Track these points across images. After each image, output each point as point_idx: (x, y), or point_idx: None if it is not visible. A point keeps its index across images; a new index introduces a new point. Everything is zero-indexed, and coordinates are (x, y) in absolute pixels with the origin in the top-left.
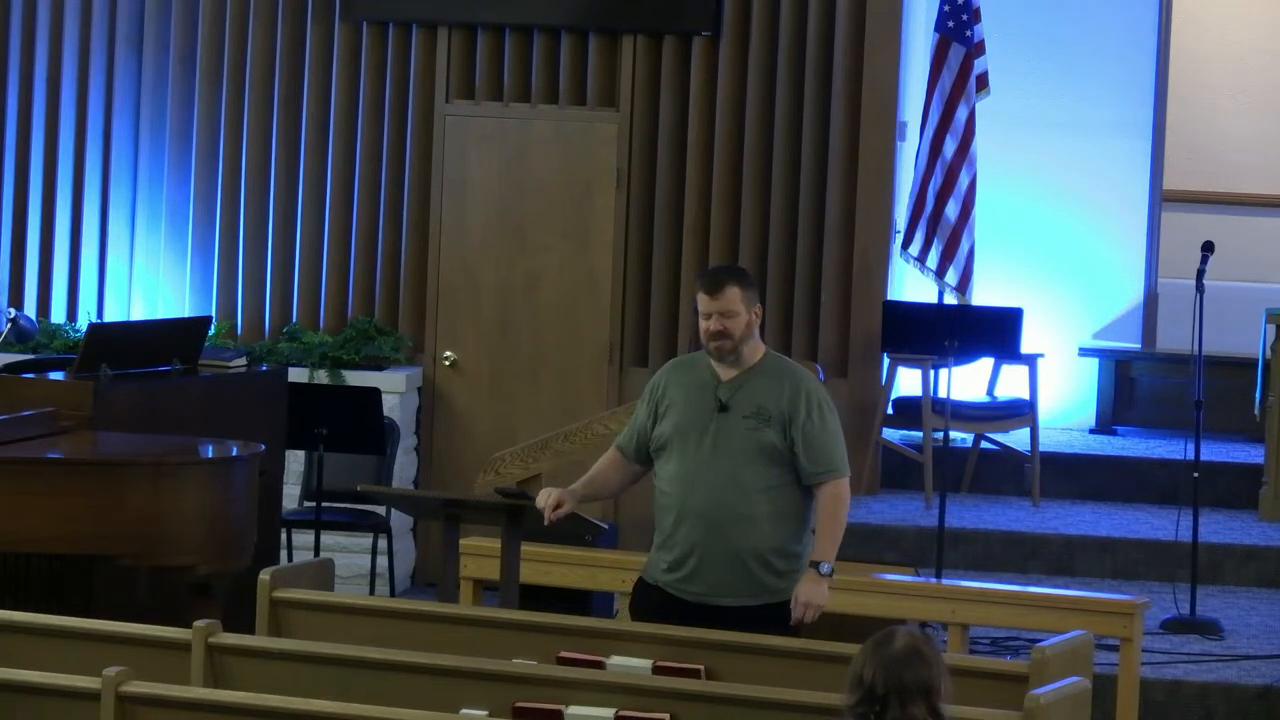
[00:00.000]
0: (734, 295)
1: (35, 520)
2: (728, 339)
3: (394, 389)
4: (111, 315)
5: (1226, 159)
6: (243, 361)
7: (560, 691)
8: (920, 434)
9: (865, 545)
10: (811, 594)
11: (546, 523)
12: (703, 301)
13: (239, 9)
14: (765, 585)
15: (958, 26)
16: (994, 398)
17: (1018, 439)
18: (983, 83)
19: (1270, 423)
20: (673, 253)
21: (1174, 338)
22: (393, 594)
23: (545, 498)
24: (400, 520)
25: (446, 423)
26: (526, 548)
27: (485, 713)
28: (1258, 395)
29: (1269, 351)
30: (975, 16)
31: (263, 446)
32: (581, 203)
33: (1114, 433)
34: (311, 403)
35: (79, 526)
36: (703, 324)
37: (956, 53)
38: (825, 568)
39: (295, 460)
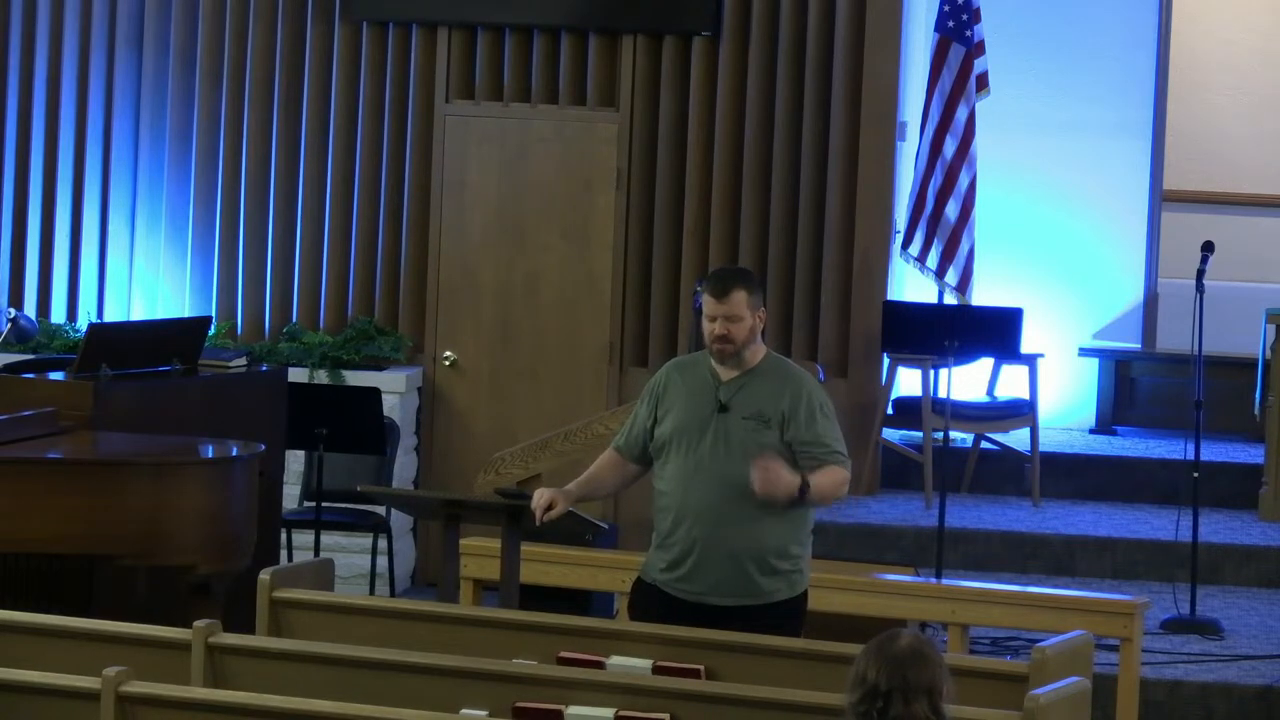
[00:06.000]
0: (740, 299)
1: (35, 520)
2: (730, 343)
3: (394, 389)
4: (111, 315)
5: (1226, 159)
6: (243, 361)
7: (560, 691)
8: (920, 434)
9: (865, 545)
10: (779, 473)
11: (538, 524)
12: (708, 304)
13: (239, 9)
14: (763, 586)
15: (958, 26)
16: (994, 398)
17: (1018, 439)
18: (983, 83)
19: (1270, 423)
20: (673, 253)
21: (1174, 338)
22: (393, 594)
23: (538, 498)
24: (400, 520)
25: (446, 423)
26: (526, 548)
27: (485, 713)
28: (1258, 395)
29: (1269, 351)
30: (975, 16)
31: (263, 446)
32: (581, 203)
33: (1114, 433)
34: (311, 403)
35: (79, 526)
36: (707, 326)
37: (956, 53)
38: (804, 486)
39: (295, 460)
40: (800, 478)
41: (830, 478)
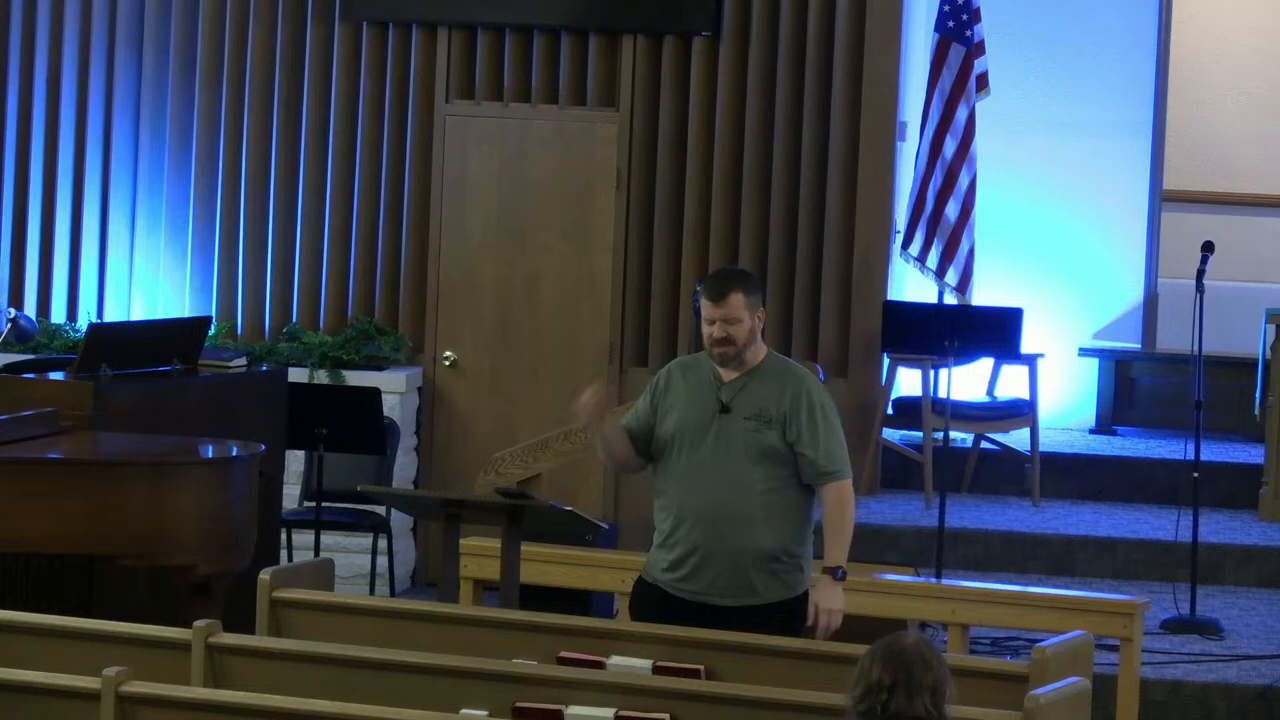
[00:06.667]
0: (738, 302)
1: (35, 520)
2: (731, 345)
3: (394, 389)
4: (111, 315)
5: (1226, 159)
6: (243, 361)
7: (560, 691)
8: (920, 434)
9: (865, 545)
10: (830, 600)
11: (582, 403)
12: (706, 308)
13: (239, 10)
14: (765, 586)
15: (958, 26)
16: (994, 398)
17: (1018, 439)
18: (983, 83)
19: (1270, 423)
20: (673, 253)
21: (1174, 338)
22: (393, 594)
23: (591, 394)
24: (400, 520)
25: (446, 423)
26: (526, 548)
27: (485, 713)
28: (1258, 395)
29: (1269, 351)
30: (975, 16)
31: (263, 446)
32: (581, 203)
33: (1114, 433)
34: (311, 403)
35: (79, 526)
36: (706, 329)
37: (956, 53)
38: (840, 573)
39: (295, 460)
40: (832, 571)
41: (840, 526)
